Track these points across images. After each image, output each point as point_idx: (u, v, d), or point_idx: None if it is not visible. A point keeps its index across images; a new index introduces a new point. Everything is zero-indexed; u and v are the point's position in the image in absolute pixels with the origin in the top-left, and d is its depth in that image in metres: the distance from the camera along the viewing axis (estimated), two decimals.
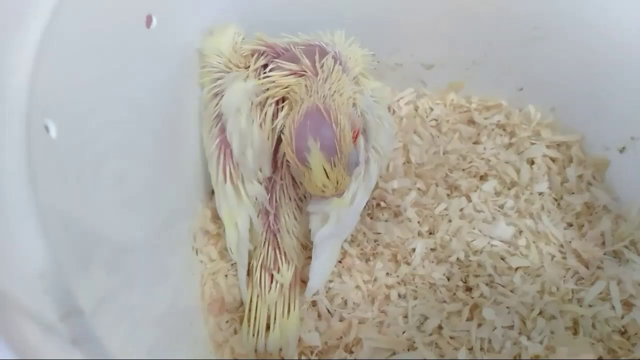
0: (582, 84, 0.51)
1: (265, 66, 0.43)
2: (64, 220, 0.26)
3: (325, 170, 0.35)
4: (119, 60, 0.34)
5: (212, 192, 0.46)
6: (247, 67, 0.43)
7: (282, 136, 0.38)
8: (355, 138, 0.38)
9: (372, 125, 0.42)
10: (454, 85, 0.58)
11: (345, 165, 0.36)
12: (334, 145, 0.34)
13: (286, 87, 0.41)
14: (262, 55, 0.43)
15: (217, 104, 0.42)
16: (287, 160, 0.40)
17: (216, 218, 0.47)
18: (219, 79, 0.43)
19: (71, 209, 0.28)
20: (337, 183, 0.36)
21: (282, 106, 0.42)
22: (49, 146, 0.26)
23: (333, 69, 0.40)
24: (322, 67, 0.40)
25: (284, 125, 0.38)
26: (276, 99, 0.42)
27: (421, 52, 0.56)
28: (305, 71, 0.40)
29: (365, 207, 0.49)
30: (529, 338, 0.42)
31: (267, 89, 0.42)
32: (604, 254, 0.46)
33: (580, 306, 0.43)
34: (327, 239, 0.42)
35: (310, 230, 0.44)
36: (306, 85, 0.38)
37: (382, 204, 0.51)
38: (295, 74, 0.41)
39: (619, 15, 0.45)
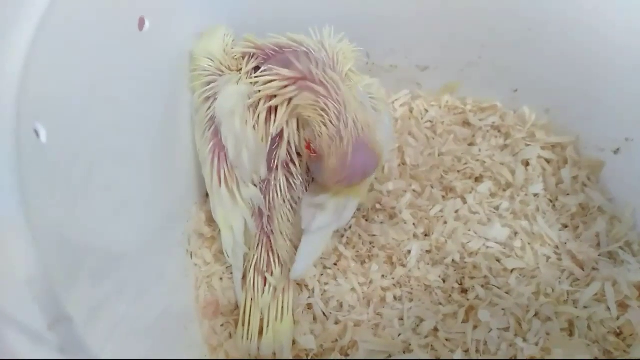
0: (576, 85, 0.51)
1: (256, 68, 0.43)
2: (54, 226, 0.25)
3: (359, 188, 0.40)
4: (111, 64, 0.34)
5: (207, 194, 0.46)
6: (239, 70, 0.43)
7: (322, 162, 0.38)
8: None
9: None
10: (449, 87, 0.58)
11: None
12: (374, 169, 0.38)
13: (278, 91, 0.41)
14: (252, 57, 0.43)
15: (210, 108, 0.42)
16: (290, 159, 0.43)
17: (211, 221, 0.47)
18: (210, 82, 0.43)
19: (62, 215, 0.27)
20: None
21: (276, 106, 0.42)
22: (39, 151, 0.26)
23: (326, 75, 0.39)
24: (317, 74, 0.39)
25: (322, 147, 0.38)
26: (270, 104, 0.42)
27: (416, 53, 0.56)
28: (297, 78, 0.40)
29: (360, 208, 0.50)
30: (524, 340, 0.42)
31: (260, 90, 0.42)
32: (599, 255, 0.46)
33: (576, 307, 0.43)
34: (320, 228, 0.42)
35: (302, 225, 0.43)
36: (326, 110, 0.38)
37: (378, 206, 0.50)
38: (287, 79, 0.41)
39: (613, 17, 0.45)
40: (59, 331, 0.19)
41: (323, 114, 0.37)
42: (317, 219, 0.41)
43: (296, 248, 0.45)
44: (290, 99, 0.40)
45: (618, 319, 0.42)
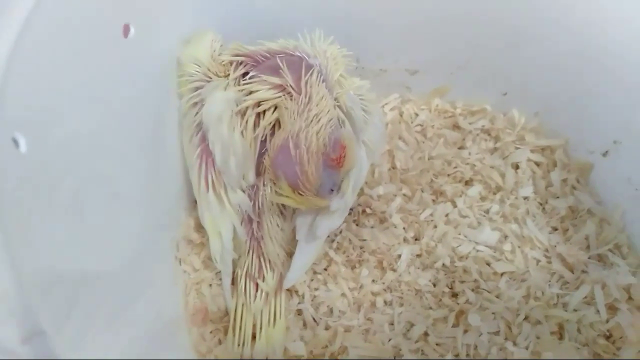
0: (565, 88, 0.51)
1: (245, 74, 0.43)
2: (33, 238, 0.25)
3: (294, 197, 0.39)
4: (95, 71, 0.33)
5: (195, 201, 0.46)
6: (227, 76, 0.43)
7: (264, 160, 0.41)
8: (339, 161, 0.39)
9: (359, 121, 0.43)
10: (439, 91, 0.58)
11: (313, 194, 0.38)
12: (297, 180, 0.38)
13: (267, 100, 0.41)
14: (241, 64, 0.43)
15: (197, 113, 0.42)
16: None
17: (200, 227, 0.46)
18: (198, 88, 0.43)
19: (44, 226, 0.27)
20: (310, 204, 0.39)
21: (264, 111, 0.42)
22: (18, 161, 0.26)
23: (314, 88, 0.40)
24: (306, 84, 0.40)
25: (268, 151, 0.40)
26: (257, 110, 0.42)
27: (405, 57, 0.56)
28: (286, 86, 0.40)
29: (350, 213, 0.49)
30: (514, 343, 0.42)
31: (250, 92, 0.42)
32: (589, 258, 0.46)
33: (566, 311, 0.43)
34: (314, 232, 0.43)
35: (294, 231, 0.44)
36: (289, 109, 0.40)
37: (368, 210, 0.50)
38: (276, 87, 0.41)
39: (602, 21, 0.46)
40: (34, 345, 0.19)
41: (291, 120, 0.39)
42: (309, 220, 0.42)
43: (287, 253, 0.45)
44: (277, 106, 0.41)
45: (607, 321, 0.42)
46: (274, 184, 0.40)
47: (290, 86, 0.40)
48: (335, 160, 0.39)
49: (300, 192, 0.38)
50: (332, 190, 0.40)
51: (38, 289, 0.23)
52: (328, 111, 0.39)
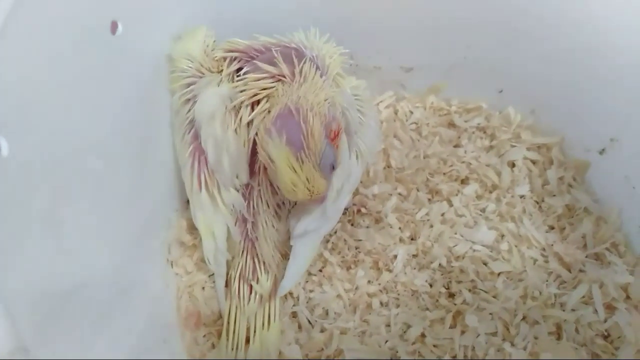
0: (561, 85, 0.51)
1: (239, 69, 0.42)
2: (13, 246, 0.24)
3: (293, 166, 0.35)
4: (81, 69, 0.32)
5: (187, 201, 0.45)
6: (220, 72, 0.42)
7: (256, 137, 0.38)
8: (334, 138, 0.37)
9: (354, 122, 0.42)
10: (434, 88, 0.57)
11: (316, 164, 0.35)
12: (300, 140, 0.34)
13: (263, 89, 0.40)
14: (235, 59, 0.42)
15: (189, 110, 0.41)
16: (265, 166, 0.39)
17: (192, 228, 0.45)
18: (190, 84, 0.42)
19: (28, 232, 0.26)
20: (308, 182, 0.35)
21: (258, 101, 0.41)
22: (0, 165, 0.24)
23: (310, 73, 0.39)
24: (300, 72, 0.39)
25: (259, 128, 0.38)
26: (252, 101, 0.41)
27: (400, 55, 0.55)
28: (282, 76, 0.39)
29: (345, 212, 0.49)
30: (512, 344, 0.41)
31: (242, 90, 0.41)
32: (586, 257, 0.46)
33: (563, 310, 0.43)
34: (308, 234, 0.42)
35: (289, 232, 0.43)
36: (282, 89, 0.38)
37: (363, 209, 0.50)
38: (272, 77, 0.40)
39: (598, 18, 0.45)
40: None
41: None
42: (303, 222, 0.41)
43: (282, 254, 0.45)
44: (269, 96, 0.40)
45: (605, 321, 0.42)
46: (269, 165, 0.36)
47: (286, 76, 0.39)
48: (334, 133, 0.37)
49: (303, 157, 0.34)
50: (333, 167, 0.38)
51: (21, 301, 0.22)
52: (324, 89, 0.38)
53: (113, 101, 0.37)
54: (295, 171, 0.35)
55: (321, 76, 0.40)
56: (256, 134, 0.39)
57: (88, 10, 0.33)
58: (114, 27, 0.35)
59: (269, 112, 0.38)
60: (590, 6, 0.45)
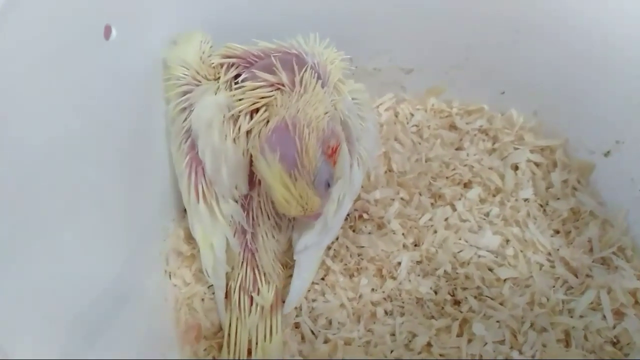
0: (564, 86, 0.50)
1: (236, 76, 0.40)
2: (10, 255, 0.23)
3: (286, 184, 0.34)
4: (74, 75, 0.31)
5: (185, 210, 0.43)
6: (217, 79, 0.41)
7: (251, 150, 0.37)
8: (332, 154, 0.36)
9: (355, 130, 0.42)
10: (435, 90, 0.56)
11: (310, 182, 0.34)
12: (294, 157, 0.33)
13: (261, 98, 0.39)
14: (232, 66, 0.40)
15: (186, 119, 0.40)
16: None
17: (190, 238, 0.44)
18: (186, 92, 0.40)
19: (17, 243, 0.25)
20: (302, 199, 0.35)
21: (257, 110, 0.40)
22: None
23: (310, 84, 0.38)
24: (300, 81, 0.38)
25: (253, 143, 0.37)
26: (251, 109, 0.39)
27: (400, 56, 0.54)
28: (281, 84, 0.38)
29: (347, 219, 0.48)
30: (520, 352, 0.41)
31: (240, 99, 0.39)
32: (593, 262, 0.45)
33: (571, 317, 0.42)
34: (310, 248, 0.41)
35: (289, 242, 0.42)
36: (281, 99, 0.37)
37: (365, 215, 0.49)
38: (271, 85, 0.39)
39: (601, 18, 0.44)
40: None
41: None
42: (305, 237, 0.40)
43: (282, 264, 0.44)
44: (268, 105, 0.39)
45: (614, 327, 0.41)
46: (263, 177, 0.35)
47: (286, 85, 0.38)
48: (332, 149, 0.36)
49: (297, 175, 0.33)
50: (329, 184, 0.36)
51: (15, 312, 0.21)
52: (324, 102, 0.37)
53: (105, 109, 0.36)
54: (289, 188, 0.34)
55: (322, 86, 0.39)
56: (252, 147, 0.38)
57: (80, 14, 0.32)
58: (107, 31, 0.34)
59: (268, 121, 0.37)
60: (596, 6, 0.44)
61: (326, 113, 0.36)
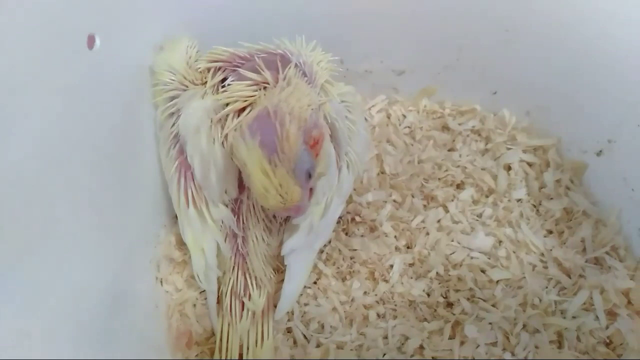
0: (556, 86, 0.50)
1: (223, 80, 0.40)
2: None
3: (266, 170, 0.33)
4: (56, 85, 0.31)
5: (176, 216, 0.43)
6: (204, 83, 0.41)
7: (232, 140, 0.36)
8: (314, 145, 0.35)
9: (343, 132, 0.41)
10: (427, 91, 0.56)
11: (289, 169, 0.33)
12: (274, 142, 0.32)
13: (248, 98, 0.39)
14: (219, 70, 0.40)
15: (174, 124, 0.40)
16: None
17: (181, 244, 0.44)
18: (174, 97, 0.40)
19: (9, 252, 0.25)
20: (281, 187, 0.33)
21: (243, 109, 0.39)
22: None
23: (294, 78, 0.37)
24: (284, 77, 0.38)
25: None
26: (237, 109, 0.39)
27: (391, 57, 0.54)
28: (266, 83, 0.38)
29: (339, 221, 0.48)
30: (513, 354, 0.41)
31: (227, 104, 0.39)
32: (586, 262, 0.45)
33: (564, 318, 0.42)
34: (300, 252, 0.41)
35: (281, 246, 0.42)
36: (264, 94, 0.37)
37: (357, 218, 0.48)
38: (256, 84, 0.39)
39: (593, 18, 0.44)
40: None
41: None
42: (291, 240, 0.39)
43: (273, 268, 0.43)
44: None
45: (607, 328, 0.41)
46: (243, 164, 0.34)
47: (271, 83, 0.38)
48: (315, 140, 0.35)
49: (276, 161, 0.32)
50: (310, 175, 0.35)
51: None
52: (308, 95, 0.36)
53: (95, 116, 0.35)
54: (268, 175, 0.33)
55: (308, 84, 0.39)
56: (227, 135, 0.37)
57: (63, 23, 0.31)
58: (91, 41, 0.34)
59: None
60: (587, 5, 0.44)
61: (309, 105, 0.35)
